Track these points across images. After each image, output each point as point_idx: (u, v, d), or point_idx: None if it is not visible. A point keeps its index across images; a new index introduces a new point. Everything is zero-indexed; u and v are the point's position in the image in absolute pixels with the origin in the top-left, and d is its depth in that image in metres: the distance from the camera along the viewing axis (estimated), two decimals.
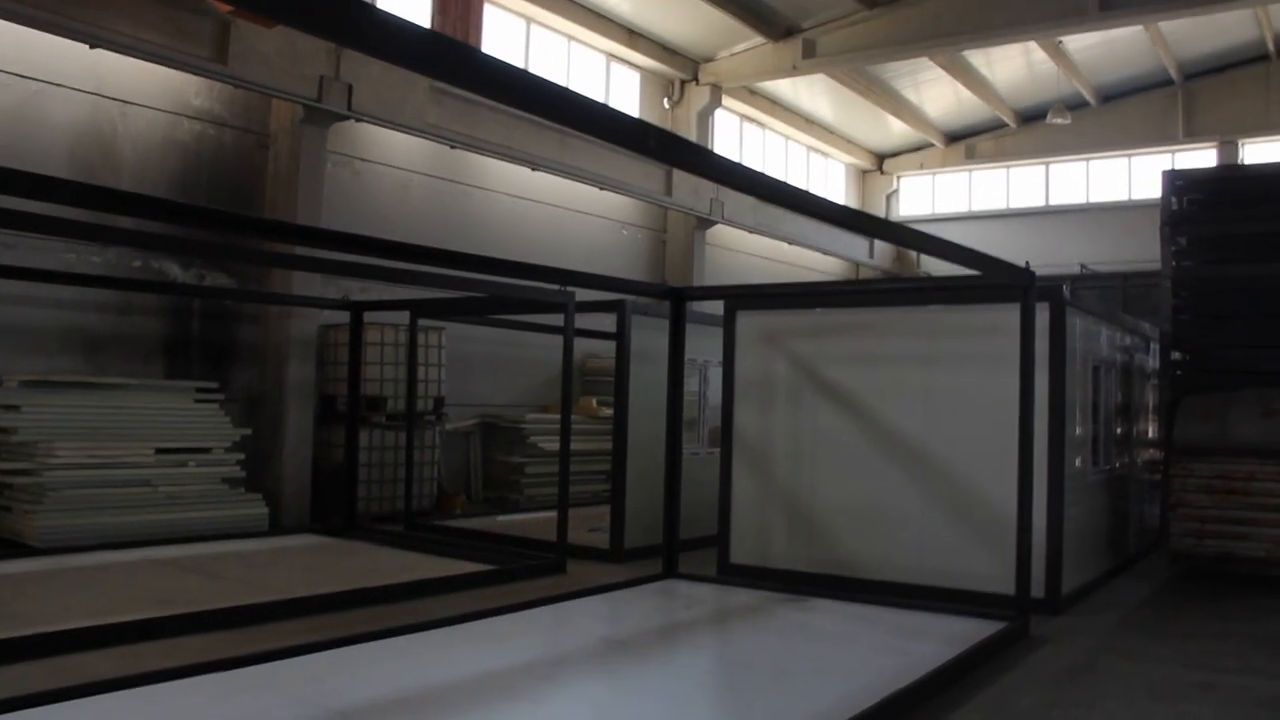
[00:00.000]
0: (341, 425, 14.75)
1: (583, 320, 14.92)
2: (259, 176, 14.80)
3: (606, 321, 13.06)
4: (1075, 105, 26.19)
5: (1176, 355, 12.48)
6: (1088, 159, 27.51)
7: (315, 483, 14.70)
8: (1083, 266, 24.68)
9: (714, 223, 21.92)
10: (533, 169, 17.83)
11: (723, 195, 21.76)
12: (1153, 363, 13.82)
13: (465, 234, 17.04)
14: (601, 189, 19.18)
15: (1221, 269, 12.33)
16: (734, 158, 25.08)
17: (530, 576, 11.09)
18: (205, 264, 14.24)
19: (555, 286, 11.23)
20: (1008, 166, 28.58)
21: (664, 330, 12.08)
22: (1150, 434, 14.07)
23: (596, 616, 9.08)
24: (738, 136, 24.90)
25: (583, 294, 12.02)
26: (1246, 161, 24.48)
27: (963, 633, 8.45)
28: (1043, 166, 28.19)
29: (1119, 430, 12.49)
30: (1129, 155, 26.87)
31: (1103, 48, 24.19)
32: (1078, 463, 10.59)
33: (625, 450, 12.36)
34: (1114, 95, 26.74)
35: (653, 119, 21.87)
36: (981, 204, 28.80)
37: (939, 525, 10.32)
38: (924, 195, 29.80)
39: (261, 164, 14.84)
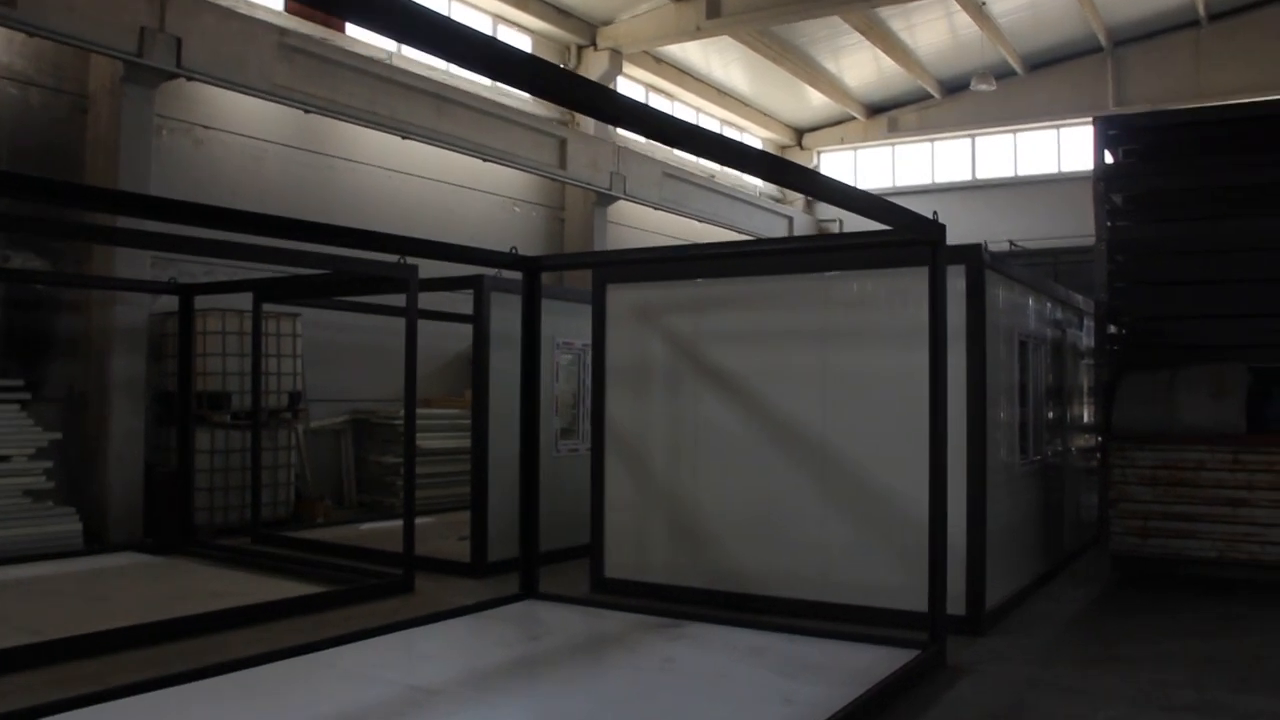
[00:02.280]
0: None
1: (455, 302, 13.36)
2: (76, 143, 12.89)
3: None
4: (1002, 74, 24.82)
5: (1114, 329, 10.96)
6: (1015, 130, 26.13)
7: (149, 492, 12.83)
8: (1012, 243, 23.39)
9: (615, 198, 20.21)
10: (403, 138, 16.00)
11: (624, 169, 20.08)
12: (1088, 339, 12.36)
13: (330, 212, 15.15)
14: (484, 160, 17.38)
15: (1163, 229, 10.81)
16: (643, 138, 23.46)
17: (370, 598, 9.56)
18: (9, 243, 12.31)
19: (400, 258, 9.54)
20: (932, 140, 27.15)
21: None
22: (1087, 419, 12.62)
23: (417, 654, 7.37)
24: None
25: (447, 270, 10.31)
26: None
27: (865, 667, 6.88)
28: (969, 139, 26.78)
29: (1051, 415, 11.01)
30: (1058, 126, 25.51)
31: (1028, 11, 22.83)
32: (1003, 453, 9.06)
33: (486, 449, 10.68)
34: (1041, 63, 25.39)
35: None
36: (905, 179, 27.37)
37: (842, 531, 8.74)
38: (845, 171, 28.19)
39: (79, 129, 12.94)
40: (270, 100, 14.19)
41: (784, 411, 9.02)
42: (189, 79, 13.02)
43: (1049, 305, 10.84)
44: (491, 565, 10.55)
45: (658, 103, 23.75)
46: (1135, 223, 11.05)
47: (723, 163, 5.93)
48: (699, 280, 9.60)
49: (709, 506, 9.39)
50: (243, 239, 8.57)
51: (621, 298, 9.92)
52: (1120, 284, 10.82)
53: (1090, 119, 10.96)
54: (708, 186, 23.22)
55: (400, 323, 14.44)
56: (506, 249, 9.26)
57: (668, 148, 23.45)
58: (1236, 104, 10.47)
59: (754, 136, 27.36)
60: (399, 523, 13.64)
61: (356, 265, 10.20)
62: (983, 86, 22.94)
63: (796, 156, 28.25)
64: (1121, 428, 10.01)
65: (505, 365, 10.80)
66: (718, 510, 9.34)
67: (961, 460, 8.16)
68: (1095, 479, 12.47)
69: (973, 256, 8.31)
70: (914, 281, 7.94)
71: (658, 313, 9.73)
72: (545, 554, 10.61)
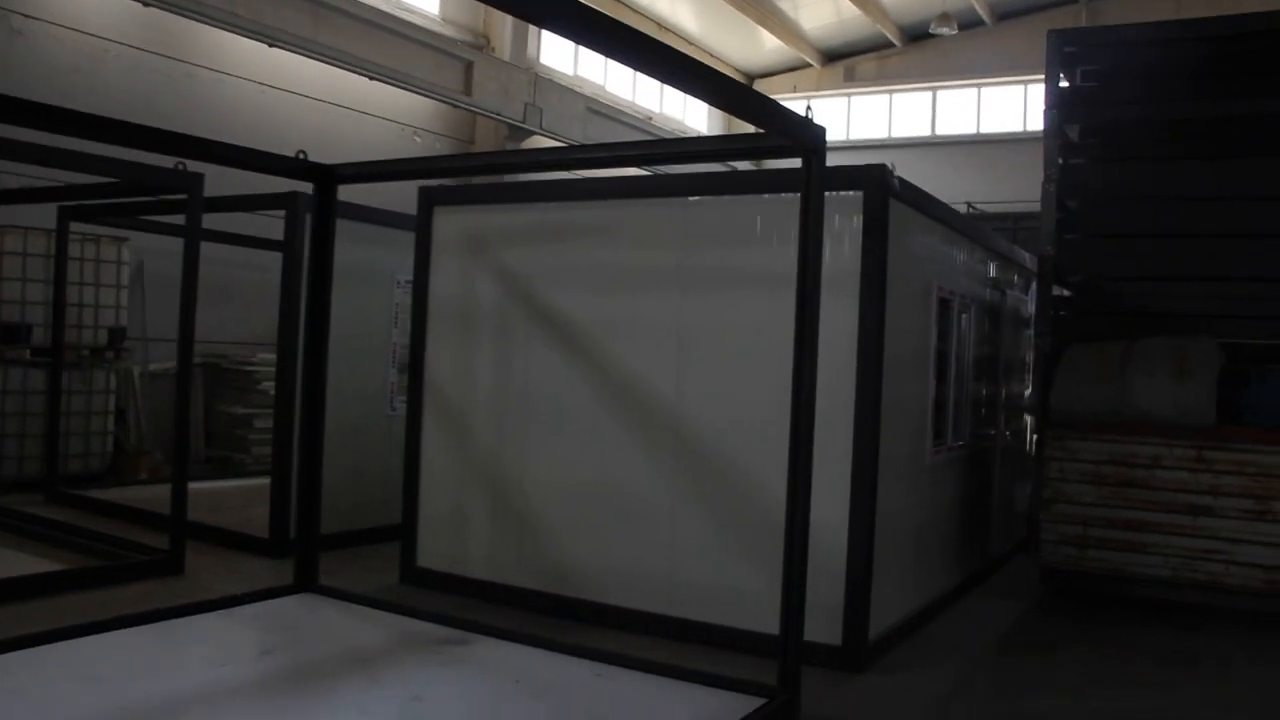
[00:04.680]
0: None
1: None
2: None
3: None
4: (968, 23, 22.94)
5: (1059, 290, 9.04)
6: (979, 84, 24.18)
7: None
8: (970, 205, 21.52)
9: (531, 133, 18.16)
10: (269, 45, 13.91)
11: (542, 100, 18.03)
12: (1032, 305, 10.46)
13: (189, 127, 13.00)
14: (371, 79, 15.30)
15: (1125, 170, 8.83)
16: (569, 63, 21.44)
17: (123, 580, 7.78)
18: None
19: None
20: (890, 91, 25.17)
21: (363, 238, 9.06)
22: (1027, 399, 10.74)
23: (83, 674, 5.39)
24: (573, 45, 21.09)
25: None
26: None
27: None
28: (929, 92, 24.82)
29: (984, 393, 9.16)
30: (1025, 82, 23.47)
31: None
32: (909, 438, 7.18)
33: (293, 402, 8.73)
34: (1011, 12, 23.45)
35: (462, 19, 18.06)
36: (860, 132, 25.40)
37: (695, 528, 6.85)
38: None
39: None
40: None
41: (631, 373, 7.09)
42: None
43: (983, 259, 8.95)
44: (293, 544, 8.61)
45: None
46: (1092, 161, 9.09)
47: (654, 73, 4.35)
48: (540, 204, 7.64)
49: (539, 488, 7.49)
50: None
51: (450, 223, 7.97)
52: (1070, 235, 8.89)
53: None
54: (642, 128, 21.23)
55: (263, 256, 12.71)
56: (403, 186, 7.44)
57: (596, 81, 21.46)
58: (1222, 18, 8.51)
59: None
60: (254, 481, 11.94)
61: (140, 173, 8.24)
62: (944, 30, 21.03)
63: None
64: (1061, 411, 8.13)
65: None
66: (549, 493, 7.44)
67: (847, 445, 6.29)
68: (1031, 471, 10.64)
69: (874, 181, 6.38)
70: (791, 208, 6.00)
71: (492, 243, 7.78)
72: (373, 531, 9.22)
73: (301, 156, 7.23)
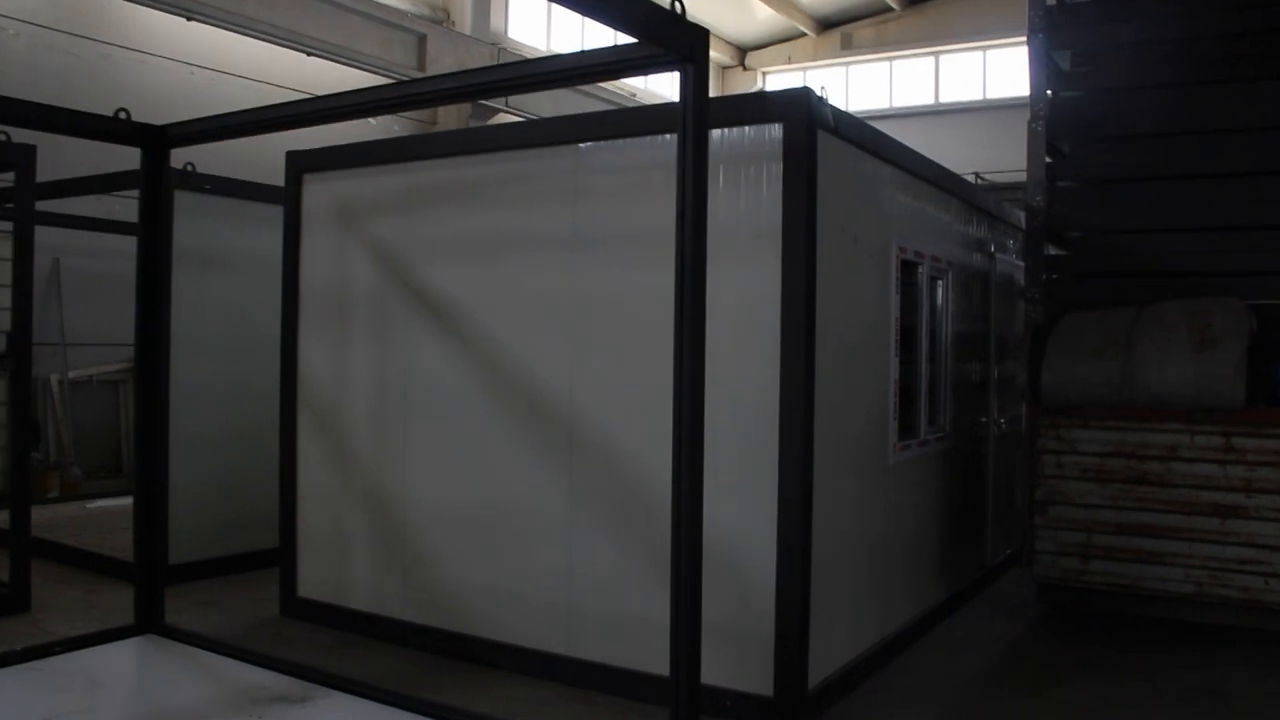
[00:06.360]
0: None
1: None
2: None
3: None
4: None
5: (1054, 249, 7.69)
6: (984, 47, 22.68)
7: None
8: (978, 176, 20.04)
9: (497, 112, 16.90)
10: (187, 19, 12.68)
11: None
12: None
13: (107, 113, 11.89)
14: (309, 55, 14.07)
15: (1127, 102, 7.43)
16: (541, 37, 20.18)
17: None
18: None
19: None
20: (890, 58, 23.70)
21: (254, 217, 8.17)
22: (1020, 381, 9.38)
23: None
24: (545, 15, 19.84)
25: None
26: None
27: None
28: (932, 57, 23.34)
29: (973, 375, 7.84)
30: None
31: None
32: (864, 434, 5.88)
33: (166, 409, 7.50)
34: None
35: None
36: (860, 103, 23.89)
37: (594, 551, 5.58)
38: None
39: None
40: None
41: (519, 364, 5.82)
42: None
43: (964, 216, 7.60)
44: (174, 569, 7.41)
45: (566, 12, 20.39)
46: (1088, 93, 7.72)
47: None
48: (419, 163, 6.37)
49: (423, 505, 6.26)
50: None
51: (321, 193, 6.73)
52: (1064, 183, 7.53)
53: None
54: (625, 104, 19.89)
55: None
56: None
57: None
58: None
59: None
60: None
61: None
62: None
63: (739, 78, 24.86)
64: (1054, 394, 6.78)
65: (200, 295, 7.86)
66: (433, 511, 6.21)
67: (771, 443, 5.00)
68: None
69: (796, 109, 5.05)
70: (714, 150, 4.69)
71: (367, 214, 6.54)
72: (271, 552, 7.82)
73: (123, 115, 6.02)
